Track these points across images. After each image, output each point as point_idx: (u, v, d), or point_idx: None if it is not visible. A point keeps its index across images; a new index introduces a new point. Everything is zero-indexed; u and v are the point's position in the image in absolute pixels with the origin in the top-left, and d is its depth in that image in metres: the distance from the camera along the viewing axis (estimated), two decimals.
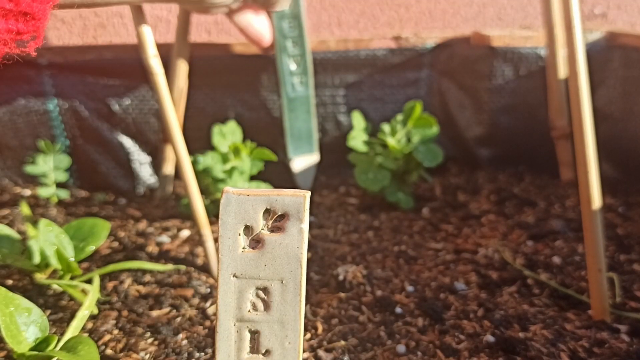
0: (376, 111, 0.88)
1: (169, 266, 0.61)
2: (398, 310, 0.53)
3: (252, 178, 0.73)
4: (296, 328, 0.29)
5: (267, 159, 0.69)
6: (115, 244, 0.67)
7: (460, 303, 0.55)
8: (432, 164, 0.75)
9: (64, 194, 0.80)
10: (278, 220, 0.29)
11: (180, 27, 0.71)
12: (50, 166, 0.78)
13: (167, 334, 0.50)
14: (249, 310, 0.29)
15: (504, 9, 0.92)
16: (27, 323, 0.41)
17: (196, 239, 0.69)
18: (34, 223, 0.60)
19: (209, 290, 0.57)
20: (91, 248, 0.54)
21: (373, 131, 0.81)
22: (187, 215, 0.73)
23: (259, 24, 0.67)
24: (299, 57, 0.76)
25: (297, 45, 0.75)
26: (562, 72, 0.77)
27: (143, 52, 0.56)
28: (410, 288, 0.57)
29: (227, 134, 0.72)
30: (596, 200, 0.49)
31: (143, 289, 0.57)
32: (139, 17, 0.55)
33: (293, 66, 0.76)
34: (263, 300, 0.29)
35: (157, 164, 0.85)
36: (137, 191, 0.84)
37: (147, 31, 0.56)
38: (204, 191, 0.68)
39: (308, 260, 0.63)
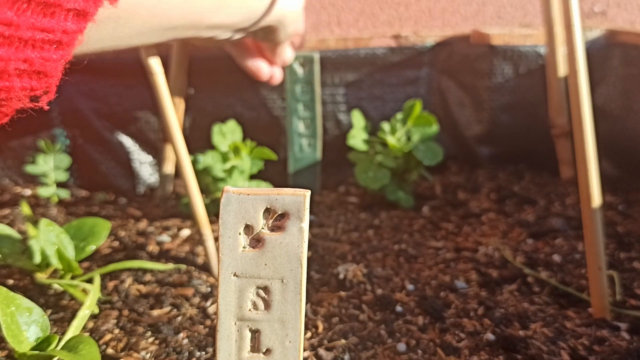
0: (376, 110, 0.88)
1: (170, 265, 0.61)
2: (398, 308, 0.53)
3: (252, 177, 0.73)
4: (297, 327, 0.29)
5: (267, 158, 0.69)
6: (116, 244, 0.67)
7: (460, 301, 0.55)
8: (432, 162, 0.75)
9: (65, 194, 0.80)
10: (278, 219, 0.29)
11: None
12: (51, 166, 0.78)
13: (167, 333, 0.50)
14: (250, 309, 0.29)
15: (503, 7, 0.92)
16: (28, 323, 0.41)
17: (196, 238, 0.69)
18: (35, 223, 0.60)
19: (209, 289, 0.58)
20: (92, 247, 0.54)
21: (373, 130, 0.81)
22: (188, 215, 0.73)
23: (268, 70, 0.68)
24: (309, 120, 0.79)
25: (308, 109, 0.78)
26: (562, 70, 0.77)
27: (143, 52, 0.56)
28: (410, 286, 0.57)
29: (227, 133, 0.72)
30: (596, 198, 0.49)
31: (144, 288, 0.57)
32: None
33: (302, 128, 0.79)
34: (263, 299, 0.29)
35: (157, 164, 0.85)
36: (138, 190, 0.84)
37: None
38: (204, 190, 0.68)
39: (308, 259, 0.63)
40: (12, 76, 0.29)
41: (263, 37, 0.62)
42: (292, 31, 0.63)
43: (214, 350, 0.47)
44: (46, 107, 0.32)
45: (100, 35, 0.38)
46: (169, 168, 0.79)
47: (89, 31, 0.32)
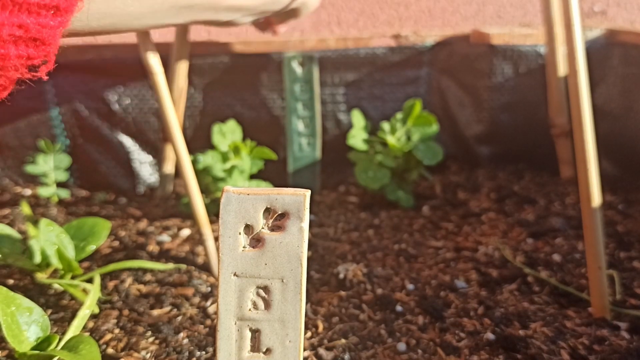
0: (376, 109, 0.88)
1: (170, 265, 0.61)
2: (398, 308, 0.53)
3: (252, 177, 0.73)
4: (297, 326, 0.29)
5: (267, 157, 0.69)
6: (116, 243, 0.67)
7: (460, 301, 0.55)
8: (432, 162, 0.75)
9: (65, 194, 0.80)
10: (278, 219, 0.29)
11: (180, 26, 0.71)
12: (51, 166, 0.78)
13: (168, 333, 0.50)
14: (250, 309, 0.29)
15: (503, 7, 0.92)
16: (28, 322, 0.41)
17: (196, 238, 0.69)
18: (35, 223, 0.60)
19: (209, 289, 0.58)
20: (92, 247, 0.54)
21: (373, 129, 0.81)
22: (188, 214, 0.73)
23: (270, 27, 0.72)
24: (308, 119, 0.79)
25: (308, 108, 0.79)
26: (562, 69, 0.77)
27: (143, 51, 0.56)
28: (410, 286, 0.57)
29: (227, 133, 0.72)
30: (596, 197, 0.49)
31: (144, 288, 0.57)
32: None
33: (302, 127, 0.80)
34: (264, 299, 0.29)
35: (157, 164, 0.85)
36: (138, 190, 0.84)
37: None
38: (204, 190, 0.68)
39: (308, 258, 0.63)
40: (7, 42, 0.27)
41: (284, 17, 0.62)
42: (312, 9, 0.63)
43: (214, 350, 0.47)
44: (45, 78, 0.31)
45: (109, 8, 0.36)
46: (169, 168, 0.79)
47: (94, 1, 0.31)
